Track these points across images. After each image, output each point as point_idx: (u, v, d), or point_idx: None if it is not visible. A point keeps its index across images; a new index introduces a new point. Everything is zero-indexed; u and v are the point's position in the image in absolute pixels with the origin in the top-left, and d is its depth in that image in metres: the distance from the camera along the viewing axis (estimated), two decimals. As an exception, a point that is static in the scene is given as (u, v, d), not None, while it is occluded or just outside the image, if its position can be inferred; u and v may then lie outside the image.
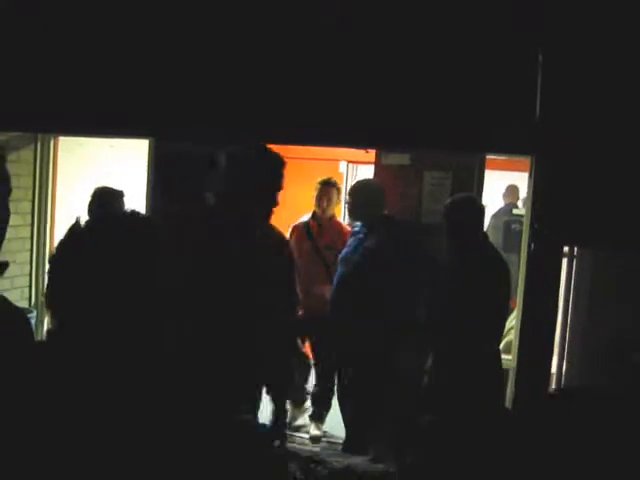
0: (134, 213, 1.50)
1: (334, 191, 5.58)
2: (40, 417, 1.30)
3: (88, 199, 4.61)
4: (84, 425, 1.28)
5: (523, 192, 7.57)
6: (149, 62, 4.67)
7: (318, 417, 5.57)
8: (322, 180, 5.63)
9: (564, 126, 3.98)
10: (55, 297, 1.44)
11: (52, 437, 1.28)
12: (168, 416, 1.32)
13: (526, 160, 4.54)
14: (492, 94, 4.06)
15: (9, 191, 1.77)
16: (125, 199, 4.58)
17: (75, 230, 1.45)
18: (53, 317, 1.45)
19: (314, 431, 5.53)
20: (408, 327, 4.33)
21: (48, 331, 1.46)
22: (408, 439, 3.34)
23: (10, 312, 1.69)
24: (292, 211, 6.50)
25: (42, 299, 5.49)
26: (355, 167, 7.88)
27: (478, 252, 4.26)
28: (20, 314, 1.78)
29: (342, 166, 7.72)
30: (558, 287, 4.04)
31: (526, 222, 4.50)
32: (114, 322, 1.36)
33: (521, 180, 7.33)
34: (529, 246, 4.05)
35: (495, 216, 7.54)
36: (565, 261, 4.33)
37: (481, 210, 4.41)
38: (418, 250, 4.55)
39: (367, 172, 7.09)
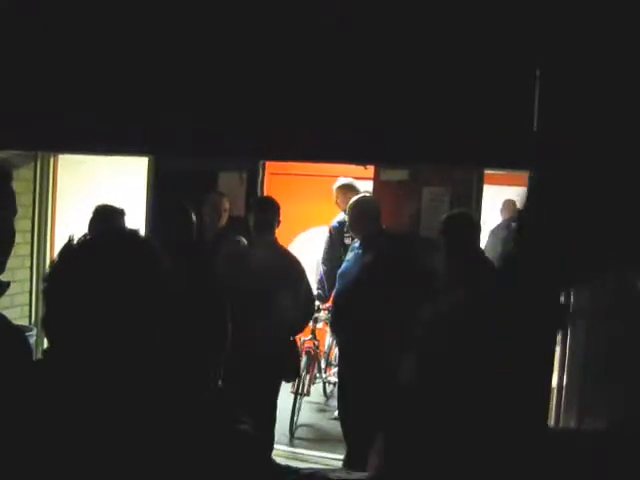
0: (128, 233, 1.49)
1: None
2: (33, 436, 1.29)
3: (88, 217, 4.61)
4: (77, 446, 1.28)
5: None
6: (149, 79, 4.70)
7: None
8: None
9: (562, 141, 4.00)
10: (49, 317, 1.42)
11: (47, 457, 1.28)
12: (164, 431, 1.32)
13: (524, 174, 4.56)
14: (489, 109, 4.08)
15: (15, 212, 1.76)
16: (126, 217, 4.59)
17: (68, 250, 1.43)
18: (47, 336, 1.45)
19: None
20: (407, 342, 4.32)
21: (43, 351, 1.45)
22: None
23: (8, 331, 1.69)
24: (293, 225, 6.52)
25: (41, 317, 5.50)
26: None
27: (475, 267, 4.27)
28: (18, 333, 1.77)
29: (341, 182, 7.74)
30: (558, 301, 4.04)
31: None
32: (108, 341, 1.35)
33: (517, 195, 7.38)
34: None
35: (493, 232, 7.54)
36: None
37: (477, 225, 4.43)
38: (415, 264, 4.56)
39: (365, 188, 7.15)
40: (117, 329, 1.35)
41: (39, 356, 1.70)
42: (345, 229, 5.74)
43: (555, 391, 4.41)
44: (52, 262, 1.44)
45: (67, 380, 1.33)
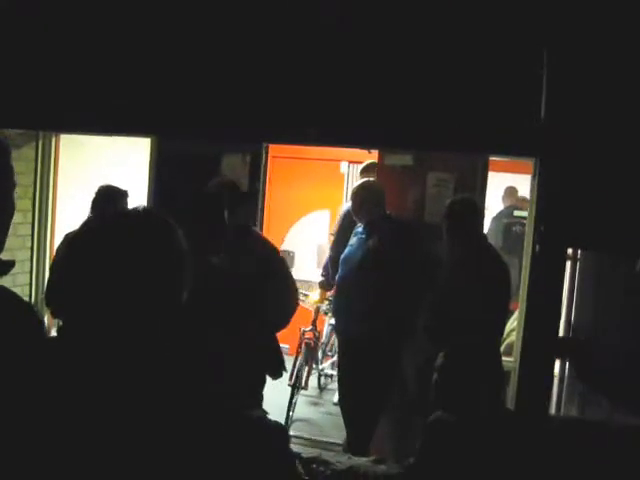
0: (151, 213, 1.48)
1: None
2: (44, 416, 1.29)
3: (91, 197, 4.59)
4: (86, 427, 1.27)
5: (521, 194, 7.56)
6: (152, 60, 4.66)
7: None
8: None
9: (569, 128, 3.97)
10: (63, 295, 1.42)
11: (56, 436, 1.27)
12: (173, 413, 1.30)
13: (528, 162, 4.53)
14: (497, 95, 4.05)
15: (14, 185, 1.75)
16: (128, 198, 4.56)
17: (90, 227, 1.42)
18: (59, 315, 1.44)
19: None
20: (410, 326, 4.32)
21: (58, 329, 1.44)
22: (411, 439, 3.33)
23: (20, 307, 1.69)
24: (294, 209, 6.52)
25: (42, 297, 5.48)
26: (356, 167, 7.87)
27: (477, 253, 4.26)
28: (30, 309, 1.77)
29: (343, 166, 7.71)
30: (561, 289, 4.02)
31: (529, 224, 4.49)
32: (125, 321, 1.34)
33: (518, 182, 7.36)
34: (533, 248, 4.03)
35: (496, 218, 7.52)
36: (568, 264, 4.32)
37: (480, 211, 4.42)
38: (419, 249, 4.55)
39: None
40: (134, 310, 1.35)
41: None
42: None
43: (557, 380, 4.41)
44: (70, 240, 1.44)
45: (81, 359, 1.33)
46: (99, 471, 1.25)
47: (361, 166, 5.87)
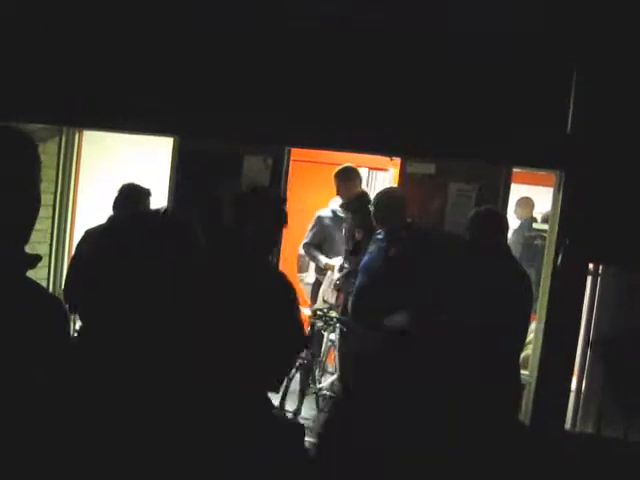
0: (172, 215, 1.49)
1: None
2: (67, 414, 1.29)
3: (112, 193, 4.59)
4: (105, 426, 1.27)
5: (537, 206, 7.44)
6: (177, 60, 4.68)
7: None
8: None
9: (595, 141, 3.95)
10: (84, 292, 1.42)
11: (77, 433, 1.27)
12: (195, 412, 1.30)
13: (550, 174, 4.51)
14: (524, 107, 4.04)
15: (40, 180, 1.76)
16: (151, 198, 4.56)
17: (112, 227, 1.43)
18: (76, 310, 1.44)
19: None
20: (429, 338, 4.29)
21: (79, 330, 1.44)
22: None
23: (49, 301, 1.69)
24: (313, 213, 6.49)
25: (61, 291, 5.50)
26: (376, 174, 7.85)
27: (501, 264, 4.21)
28: (57, 302, 1.77)
29: (363, 173, 7.68)
30: (582, 303, 4.00)
31: (550, 237, 4.46)
32: (147, 322, 1.35)
33: (532, 194, 7.26)
34: (554, 261, 4.01)
35: (516, 231, 7.39)
36: (589, 278, 4.29)
37: (505, 223, 4.37)
38: (440, 259, 4.51)
39: (387, 179, 7.10)
40: (153, 309, 1.36)
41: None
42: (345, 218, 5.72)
43: (573, 394, 4.38)
44: (91, 239, 1.44)
45: (103, 359, 1.33)
46: (118, 466, 1.26)
47: (338, 168, 5.77)
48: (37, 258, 1.79)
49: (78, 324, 1.47)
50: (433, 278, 4.32)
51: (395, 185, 5.18)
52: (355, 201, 5.49)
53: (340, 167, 5.65)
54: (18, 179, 1.61)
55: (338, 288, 5.65)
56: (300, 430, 1.46)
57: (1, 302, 1.47)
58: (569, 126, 4.03)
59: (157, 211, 1.49)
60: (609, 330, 4.28)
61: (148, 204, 4.51)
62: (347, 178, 5.61)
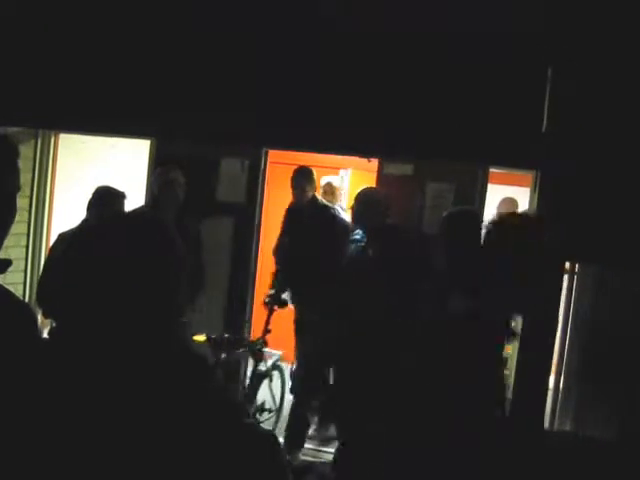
0: (151, 216, 1.47)
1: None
2: (39, 418, 1.27)
3: (87, 197, 4.55)
4: (81, 429, 1.26)
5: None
6: (153, 62, 4.65)
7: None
8: None
9: (570, 141, 3.97)
10: (59, 295, 1.40)
11: (53, 437, 1.25)
12: (166, 416, 1.29)
13: (527, 174, 4.53)
14: (499, 107, 4.05)
15: (18, 188, 1.73)
16: (126, 200, 4.53)
17: (86, 228, 1.41)
18: (50, 315, 1.43)
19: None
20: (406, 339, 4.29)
21: (50, 331, 1.42)
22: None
23: (16, 305, 1.67)
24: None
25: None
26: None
27: (475, 265, 4.21)
28: (24, 306, 1.75)
29: (342, 174, 7.68)
30: (559, 303, 4.02)
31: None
32: (120, 323, 1.33)
33: (516, 195, 7.27)
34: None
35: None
36: (566, 277, 4.31)
37: (478, 223, 4.37)
38: (418, 259, 4.52)
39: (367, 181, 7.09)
40: (128, 312, 1.33)
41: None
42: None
43: (551, 392, 4.40)
44: (65, 241, 1.43)
45: (74, 360, 1.31)
46: (92, 471, 1.24)
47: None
48: (6, 263, 1.77)
49: (49, 327, 1.46)
50: (411, 277, 4.33)
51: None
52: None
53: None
54: None
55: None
56: (275, 440, 1.44)
57: None
58: (544, 125, 4.05)
59: (129, 212, 1.47)
60: (586, 328, 4.31)
61: (122, 207, 4.47)
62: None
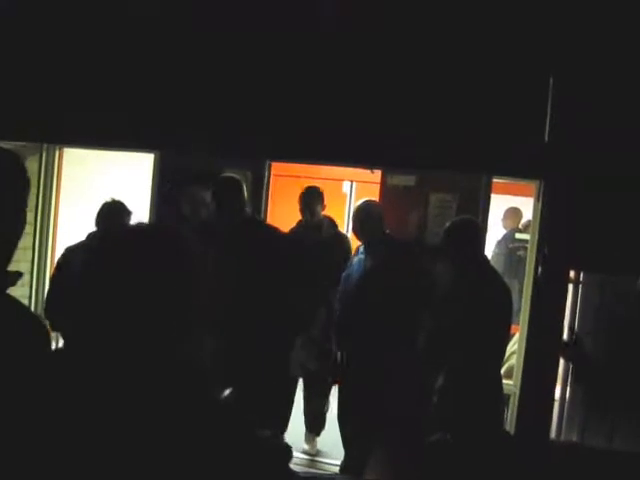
0: (158, 228, 1.46)
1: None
2: (48, 431, 1.27)
3: (93, 211, 4.57)
4: (87, 442, 1.26)
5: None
6: (156, 76, 4.68)
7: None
8: None
9: (573, 151, 3.98)
10: (67, 309, 1.40)
11: (59, 449, 1.26)
12: (176, 428, 1.29)
13: (531, 184, 4.53)
14: (502, 117, 4.06)
15: (26, 205, 1.74)
16: (132, 216, 4.54)
17: (95, 242, 1.41)
18: (57, 328, 1.42)
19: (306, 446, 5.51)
20: (408, 346, 4.29)
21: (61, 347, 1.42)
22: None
23: (28, 318, 1.67)
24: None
25: (42, 309, 5.45)
26: (358, 186, 7.84)
27: (478, 275, 4.21)
28: (37, 320, 1.75)
29: (346, 186, 7.70)
30: (564, 312, 4.01)
31: (531, 247, 4.48)
32: (131, 339, 1.33)
33: (519, 205, 7.24)
34: (535, 271, 4.02)
35: (500, 242, 7.35)
36: (571, 286, 4.30)
37: (480, 233, 4.37)
38: (417, 271, 4.52)
39: (370, 192, 7.09)
40: (138, 326, 1.32)
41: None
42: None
43: (557, 403, 4.38)
44: (73, 255, 1.42)
45: (85, 373, 1.31)
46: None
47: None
48: (18, 275, 1.77)
49: (60, 342, 1.45)
50: (410, 289, 4.34)
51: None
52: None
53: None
54: (4, 200, 1.59)
55: None
56: (285, 455, 1.43)
57: None
58: (547, 135, 4.06)
59: (138, 225, 1.45)
60: (591, 338, 4.29)
61: (129, 221, 4.49)
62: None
